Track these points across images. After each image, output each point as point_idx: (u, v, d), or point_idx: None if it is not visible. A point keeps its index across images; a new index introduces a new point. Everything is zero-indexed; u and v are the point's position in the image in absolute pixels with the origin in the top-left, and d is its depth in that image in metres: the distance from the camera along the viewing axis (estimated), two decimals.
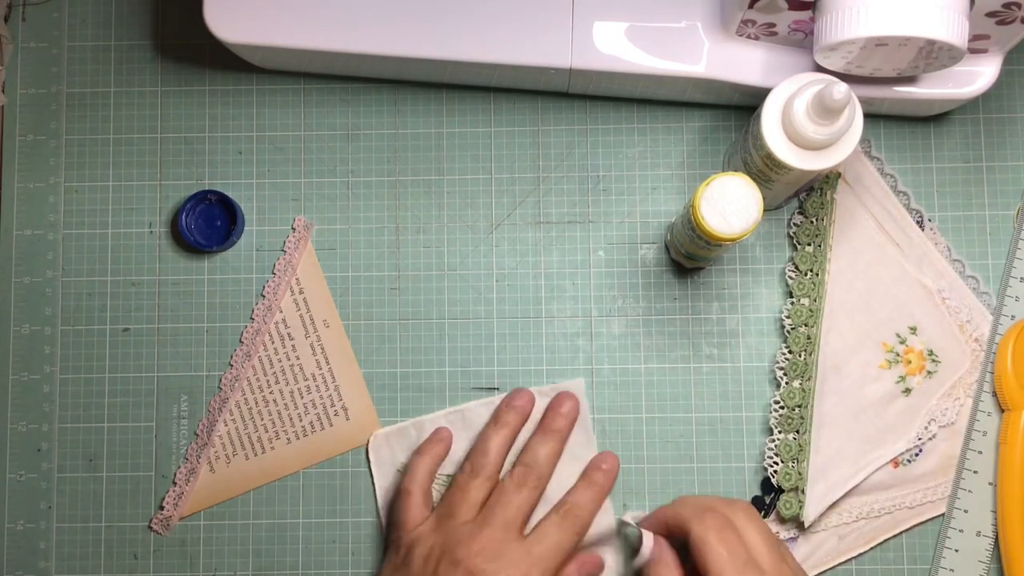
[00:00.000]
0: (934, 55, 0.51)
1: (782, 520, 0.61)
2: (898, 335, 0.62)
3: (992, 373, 0.61)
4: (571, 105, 0.65)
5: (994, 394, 0.61)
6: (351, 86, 0.65)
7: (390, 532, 0.60)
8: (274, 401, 0.63)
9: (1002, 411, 0.61)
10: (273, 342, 0.63)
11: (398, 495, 0.60)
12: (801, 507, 0.60)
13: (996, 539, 0.60)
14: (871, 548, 0.61)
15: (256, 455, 0.63)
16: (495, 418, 0.60)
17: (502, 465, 0.59)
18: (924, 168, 0.64)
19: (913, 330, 0.62)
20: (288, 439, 0.63)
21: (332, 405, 0.63)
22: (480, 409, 0.62)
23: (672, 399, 0.63)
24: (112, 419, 0.64)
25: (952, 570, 0.61)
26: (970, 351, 0.62)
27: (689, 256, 0.60)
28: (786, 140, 0.53)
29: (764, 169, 0.56)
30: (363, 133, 0.65)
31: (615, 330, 0.63)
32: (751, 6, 0.54)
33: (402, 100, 0.65)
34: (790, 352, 0.62)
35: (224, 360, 0.64)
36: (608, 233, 0.64)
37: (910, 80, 0.58)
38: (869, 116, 0.63)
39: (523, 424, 0.61)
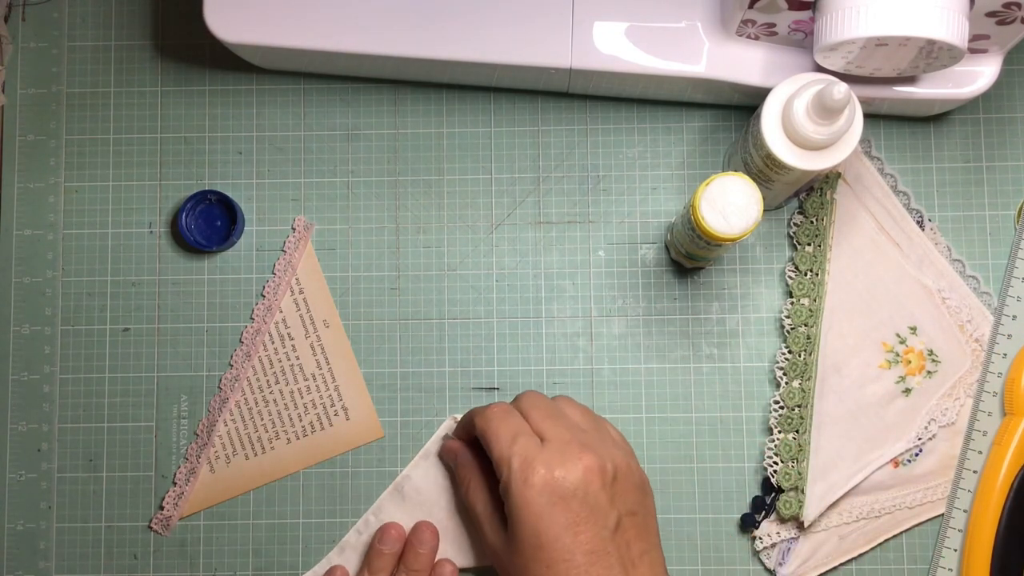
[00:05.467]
0: (934, 55, 0.51)
1: (782, 520, 0.61)
2: (898, 335, 0.62)
3: (994, 374, 0.61)
4: (571, 105, 0.65)
5: (995, 394, 0.61)
6: (351, 86, 0.65)
7: None
8: (274, 401, 0.63)
9: (1004, 414, 0.61)
10: (273, 342, 0.63)
11: None
12: (801, 507, 0.60)
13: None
14: (871, 548, 0.61)
15: (256, 455, 0.63)
16: (368, 563, 0.60)
17: None
18: (924, 168, 0.64)
19: (913, 330, 0.62)
20: (288, 439, 0.63)
21: (332, 405, 0.63)
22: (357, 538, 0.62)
23: (672, 399, 0.63)
24: (112, 419, 0.64)
25: (951, 570, 0.61)
26: (970, 351, 0.62)
27: (689, 256, 0.60)
28: (786, 140, 0.53)
29: (764, 169, 0.56)
30: (363, 133, 0.65)
31: (615, 330, 0.63)
32: (751, 6, 0.54)
33: (402, 100, 0.65)
34: (790, 352, 0.62)
35: (224, 360, 0.64)
36: (608, 233, 0.64)
37: (910, 80, 0.58)
38: (869, 116, 0.63)
39: (400, 551, 0.60)
